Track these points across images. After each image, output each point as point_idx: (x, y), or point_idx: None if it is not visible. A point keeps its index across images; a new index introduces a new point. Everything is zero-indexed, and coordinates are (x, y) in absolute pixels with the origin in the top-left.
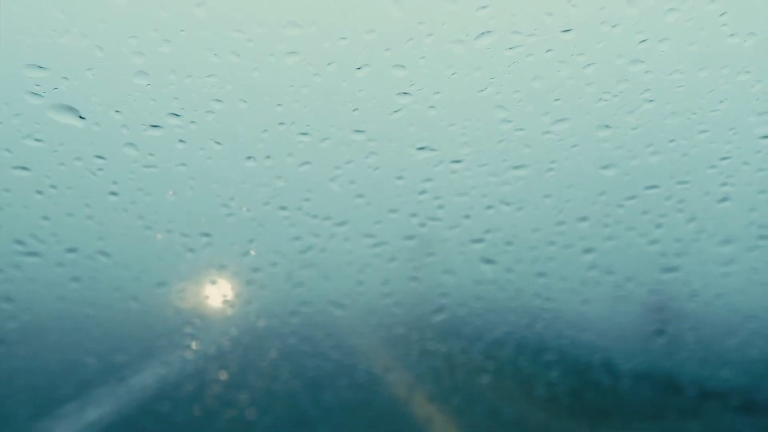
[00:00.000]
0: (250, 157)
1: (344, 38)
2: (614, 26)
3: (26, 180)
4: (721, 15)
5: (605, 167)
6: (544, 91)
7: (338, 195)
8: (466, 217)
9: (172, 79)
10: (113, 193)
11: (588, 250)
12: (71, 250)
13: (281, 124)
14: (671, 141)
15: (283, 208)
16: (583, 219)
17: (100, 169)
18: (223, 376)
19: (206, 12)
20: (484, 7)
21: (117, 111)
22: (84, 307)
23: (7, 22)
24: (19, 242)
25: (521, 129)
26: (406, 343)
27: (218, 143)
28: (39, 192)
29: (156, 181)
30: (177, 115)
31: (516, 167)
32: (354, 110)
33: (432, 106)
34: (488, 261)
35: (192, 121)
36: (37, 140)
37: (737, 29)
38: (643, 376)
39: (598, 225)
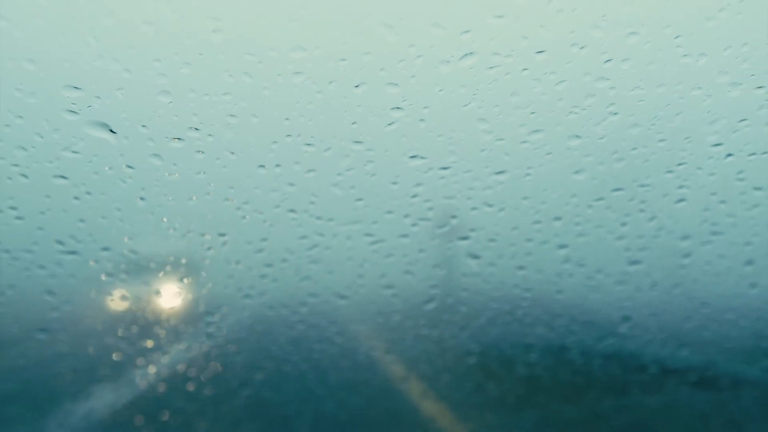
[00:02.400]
0: (261, 166)
1: (344, 60)
2: (582, 48)
3: (65, 187)
4: (676, 38)
5: (576, 172)
6: (520, 105)
7: (340, 198)
8: (453, 217)
9: (192, 97)
10: (141, 198)
11: (562, 246)
12: (105, 248)
13: (289, 136)
14: (633, 149)
15: (292, 210)
16: (557, 218)
17: (130, 177)
18: (241, 358)
19: (222, 38)
20: (466, 32)
21: (144, 126)
22: (117, 298)
23: (47, 49)
24: (60, 242)
25: (501, 139)
26: (401, 329)
27: (233, 153)
28: (76, 198)
29: (178, 188)
30: (196, 129)
31: (497, 173)
32: (353, 123)
33: (422, 119)
34: (473, 256)
35: (210, 134)
36: (74, 152)
37: (690, 50)
38: (611, 356)
39: (571, 223)
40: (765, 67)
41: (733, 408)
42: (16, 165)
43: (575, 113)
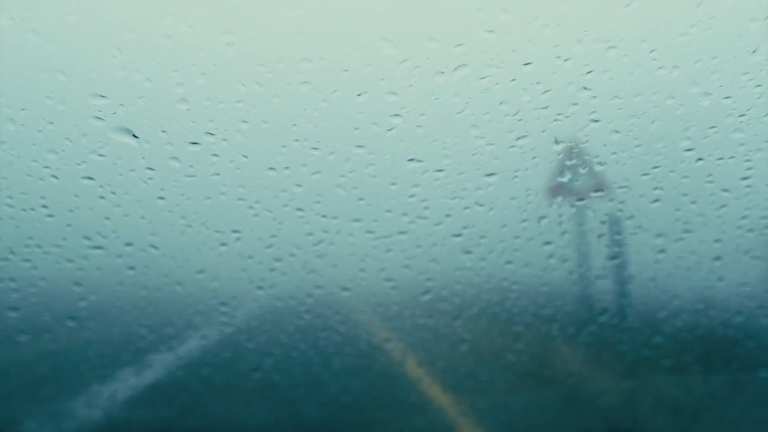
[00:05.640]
0: (271, 168)
1: (347, 71)
2: (566, 60)
3: (92, 188)
4: (651, 51)
5: (560, 175)
6: (509, 113)
7: (344, 198)
8: (448, 216)
9: (208, 105)
10: (161, 198)
11: (547, 242)
12: (128, 244)
13: (296, 140)
14: (613, 153)
15: (299, 209)
16: (543, 217)
17: (150, 179)
18: (252, 345)
19: (235, 51)
20: (460, 45)
21: (163, 131)
22: (139, 290)
23: (76, 61)
24: (87, 238)
25: (491, 144)
26: (400, 318)
27: (245, 157)
28: (102, 197)
29: (195, 188)
30: (212, 134)
31: (488, 175)
32: (355, 129)
33: (419, 126)
34: (466, 251)
35: (224, 139)
36: (100, 155)
37: (664, 63)
38: (591, 344)
39: (555, 222)
40: (732, 78)
41: (703, 391)
42: (47, 167)
43: (559, 120)
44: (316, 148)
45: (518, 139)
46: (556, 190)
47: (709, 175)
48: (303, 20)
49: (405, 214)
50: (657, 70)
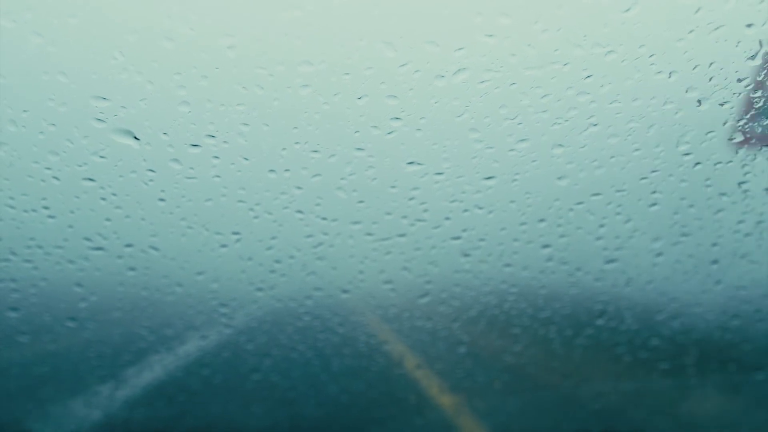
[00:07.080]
0: (272, 171)
1: (347, 74)
2: (565, 65)
3: (93, 189)
4: (650, 56)
5: (559, 178)
6: (509, 117)
7: (343, 201)
8: (447, 218)
9: (209, 107)
10: (161, 200)
11: (545, 246)
12: (128, 245)
13: (297, 143)
14: (612, 157)
15: (299, 211)
16: (542, 220)
17: (151, 180)
18: (251, 346)
19: (236, 53)
20: (460, 49)
21: (164, 133)
22: (139, 291)
23: (78, 63)
24: (88, 239)
25: (491, 147)
26: (398, 320)
27: (246, 159)
28: (103, 198)
29: (196, 190)
30: (212, 136)
31: (487, 178)
32: (356, 132)
33: (419, 129)
34: (465, 254)
35: (225, 141)
36: (101, 157)
37: (663, 68)
38: (589, 347)
39: (554, 225)
40: (729, 83)
41: (700, 393)
42: (48, 168)
43: (559, 124)
44: (316, 151)
45: (518, 142)
46: (748, 135)
47: (707, 179)
48: (303, 23)
49: (404, 217)
50: (655, 75)
